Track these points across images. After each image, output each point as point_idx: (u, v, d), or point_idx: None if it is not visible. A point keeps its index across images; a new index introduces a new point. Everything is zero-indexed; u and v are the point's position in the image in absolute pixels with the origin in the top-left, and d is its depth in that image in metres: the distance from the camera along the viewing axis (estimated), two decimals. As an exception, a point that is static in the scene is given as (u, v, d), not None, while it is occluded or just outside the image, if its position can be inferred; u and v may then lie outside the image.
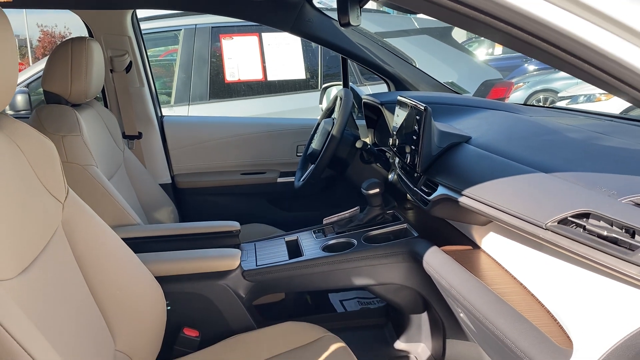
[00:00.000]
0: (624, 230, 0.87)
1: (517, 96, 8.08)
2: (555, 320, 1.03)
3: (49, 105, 1.76)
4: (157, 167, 2.45)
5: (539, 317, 1.05)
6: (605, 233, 0.89)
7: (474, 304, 1.17)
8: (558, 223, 0.96)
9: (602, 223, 0.91)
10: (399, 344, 1.76)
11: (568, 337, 0.97)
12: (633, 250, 0.83)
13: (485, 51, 10.12)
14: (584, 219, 0.93)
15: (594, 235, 0.90)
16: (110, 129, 2.05)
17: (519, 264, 1.23)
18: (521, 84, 8.73)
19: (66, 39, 1.92)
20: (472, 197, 1.22)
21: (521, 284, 1.20)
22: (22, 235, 1.03)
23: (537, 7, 0.75)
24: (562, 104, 6.97)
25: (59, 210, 1.20)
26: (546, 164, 1.14)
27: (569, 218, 0.95)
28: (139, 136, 2.35)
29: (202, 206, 2.48)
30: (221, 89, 3.82)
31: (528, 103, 7.19)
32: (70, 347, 1.04)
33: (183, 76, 3.75)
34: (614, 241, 0.88)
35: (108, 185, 1.74)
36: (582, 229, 0.93)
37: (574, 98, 7.11)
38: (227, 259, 1.50)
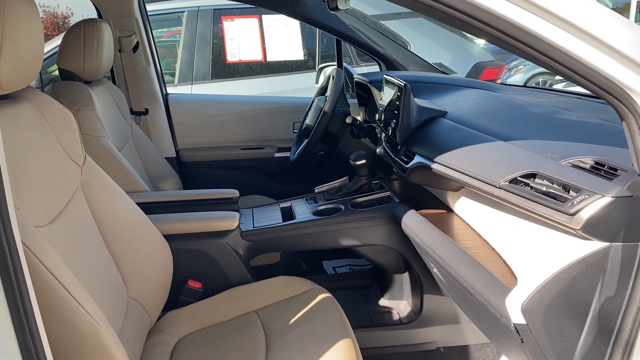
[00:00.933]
0: (561, 187, 1.04)
1: (516, 79, 8.17)
2: (507, 265, 1.20)
3: (64, 82, 1.92)
4: (163, 141, 2.61)
5: (494, 265, 1.22)
6: (545, 189, 1.05)
7: (442, 257, 1.34)
8: (509, 182, 1.12)
9: (545, 182, 1.07)
10: (383, 302, 1.93)
11: (515, 276, 1.14)
12: (563, 202, 0.99)
13: (486, 34, 10.15)
14: (531, 179, 1.09)
15: (538, 192, 1.06)
16: (119, 105, 2.21)
17: (482, 222, 1.39)
18: (521, 67, 8.81)
19: (69, 19, 2.07)
20: (443, 164, 1.38)
21: (484, 239, 1.37)
22: (49, 190, 1.20)
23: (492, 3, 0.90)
24: (559, 86, 7.07)
25: (78, 173, 1.37)
26: (506, 134, 1.30)
27: (518, 178, 1.11)
28: (146, 112, 2.51)
29: (204, 178, 2.65)
30: (223, 69, 3.97)
31: (527, 85, 7.31)
32: (92, 291, 1.21)
33: (186, 56, 3.89)
34: (554, 196, 1.04)
35: (118, 155, 1.90)
36: (529, 187, 1.09)
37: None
38: (227, 220, 1.67)
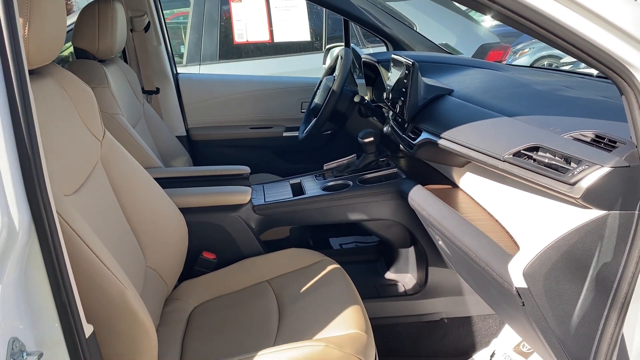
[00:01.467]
0: (563, 159, 1.09)
1: (522, 61, 8.16)
2: (510, 235, 1.26)
3: (80, 60, 1.97)
4: (174, 120, 2.67)
5: (497, 234, 1.28)
6: (547, 161, 1.10)
7: (447, 228, 1.40)
8: (513, 155, 1.17)
9: (547, 154, 1.12)
10: (389, 275, 2.00)
11: (517, 245, 1.20)
12: (564, 173, 1.04)
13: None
14: (534, 152, 1.14)
15: (541, 164, 1.12)
16: (131, 84, 2.26)
17: (486, 196, 1.45)
18: (527, 49, 8.79)
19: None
20: (449, 139, 1.43)
21: (488, 212, 1.42)
22: (72, 163, 1.26)
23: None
24: (564, 69, 7.07)
25: (98, 147, 1.43)
26: (511, 110, 1.35)
27: (522, 151, 1.16)
28: (157, 91, 2.56)
29: (213, 157, 2.71)
30: (230, 50, 4.00)
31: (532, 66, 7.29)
32: (115, 258, 1.27)
33: (194, 37, 3.93)
34: (555, 168, 1.09)
35: (133, 132, 1.96)
36: (532, 160, 1.14)
37: (576, 63, 7.21)
38: (239, 194, 1.73)
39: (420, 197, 1.61)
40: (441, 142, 1.46)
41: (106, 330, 1.06)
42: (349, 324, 1.29)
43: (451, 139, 1.42)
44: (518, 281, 1.07)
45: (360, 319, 1.32)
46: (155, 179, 1.85)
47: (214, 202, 1.72)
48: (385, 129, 2.19)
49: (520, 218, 1.24)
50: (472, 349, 1.82)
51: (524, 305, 1.09)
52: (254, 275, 1.62)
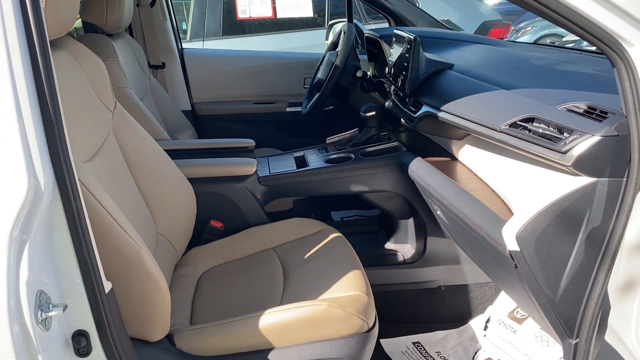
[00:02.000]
0: (557, 130, 1.14)
1: (524, 40, 8.14)
2: (505, 203, 1.32)
3: (88, 34, 2.00)
4: (179, 94, 2.71)
5: (493, 203, 1.34)
6: (541, 131, 1.15)
7: (445, 197, 1.46)
8: (509, 126, 1.22)
9: (542, 125, 1.17)
10: (389, 245, 2.07)
11: (511, 212, 1.26)
12: (557, 142, 1.09)
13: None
14: (529, 123, 1.19)
15: (535, 135, 1.17)
16: (138, 58, 2.30)
17: (484, 167, 1.50)
18: (529, 28, 8.75)
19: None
20: (449, 112, 1.48)
21: (484, 182, 1.48)
22: (86, 132, 1.32)
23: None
24: (565, 46, 7.05)
25: (109, 117, 1.48)
26: (509, 83, 1.40)
27: (518, 122, 1.21)
28: (163, 66, 2.60)
29: (218, 131, 2.76)
30: (233, 26, 4.02)
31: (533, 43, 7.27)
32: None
33: (198, 13, 3.94)
34: (549, 138, 1.14)
35: (141, 105, 2.01)
36: (527, 131, 1.19)
37: (577, 42, 7.20)
38: (245, 166, 1.79)
39: (420, 168, 1.66)
40: (441, 114, 1.52)
41: (124, 288, 1.13)
42: (350, 286, 1.36)
43: (450, 112, 1.47)
44: (511, 244, 1.13)
45: (361, 282, 1.39)
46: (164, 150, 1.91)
47: (221, 172, 1.78)
48: (386, 103, 2.24)
49: (514, 186, 1.30)
50: (468, 315, 1.90)
51: (516, 267, 1.16)
52: (260, 242, 1.69)
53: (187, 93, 2.75)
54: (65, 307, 0.90)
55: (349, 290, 1.35)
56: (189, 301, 1.47)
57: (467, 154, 1.63)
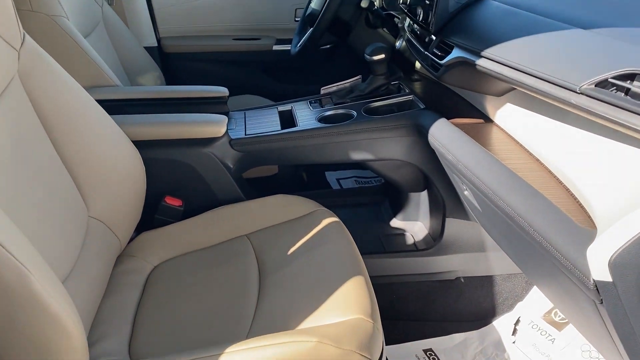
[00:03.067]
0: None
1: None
2: (575, 199, 0.92)
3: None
4: (141, 27, 2.23)
5: (555, 195, 0.94)
6: (651, 96, 0.73)
7: (482, 179, 1.05)
8: (595, 86, 0.80)
9: (650, 86, 0.75)
10: (395, 222, 1.68)
11: (589, 217, 0.86)
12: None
13: None
14: (628, 81, 0.77)
15: (638, 100, 0.75)
16: (83, -22, 1.81)
17: (536, 137, 1.09)
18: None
19: None
20: (493, 59, 1.05)
21: (537, 159, 1.07)
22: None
23: None
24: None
25: (13, 58, 1.04)
26: (584, 19, 0.96)
27: (610, 80, 0.79)
28: (119, -10, 2.11)
29: (190, 74, 2.29)
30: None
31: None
32: (31, 213, 0.93)
33: None
34: (663, 107, 0.73)
35: (82, 41, 1.55)
36: (623, 93, 0.78)
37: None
38: (212, 125, 1.36)
39: (444, 134, 1.25)
40: (481, 62, 1.08)
41: (6, 327, 0.74)
42: (350, 306, 0.98)
43: (497, 59, 1.04)
44: (600, 272, 0.74)
45: (364, 297, 1.01)
46: (109, 100, 1.48)
47: (179, 134, 1.35)
48: (397, 43, 1.78)
49: (592, 174, 0.89)
50: (491, 313, 1.54)
51: (602, 303, 0.77)
52: (231, 227, 1.29)
53: (152, 26, 2.26)
54: None
55: (348, 312, 0.97)
56: (131, 312, 1.09)
57: (509, 116, 1.21)
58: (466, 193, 1.26)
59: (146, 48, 2.13)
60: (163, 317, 1.07)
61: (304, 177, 2.16)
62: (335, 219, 1.28)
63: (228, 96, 1.55)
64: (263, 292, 1.09)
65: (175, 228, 1.30)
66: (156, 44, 2.27)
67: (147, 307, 1.11)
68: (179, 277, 1.18)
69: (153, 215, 1.33)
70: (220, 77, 2.20)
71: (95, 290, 1.07)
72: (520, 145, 1.15)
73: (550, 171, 1.02)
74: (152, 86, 1.93)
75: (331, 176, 2.23)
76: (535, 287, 1.53)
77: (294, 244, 1.21)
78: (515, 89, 1.14)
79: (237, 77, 2.27)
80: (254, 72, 2.33)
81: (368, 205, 1.81)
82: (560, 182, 0.97)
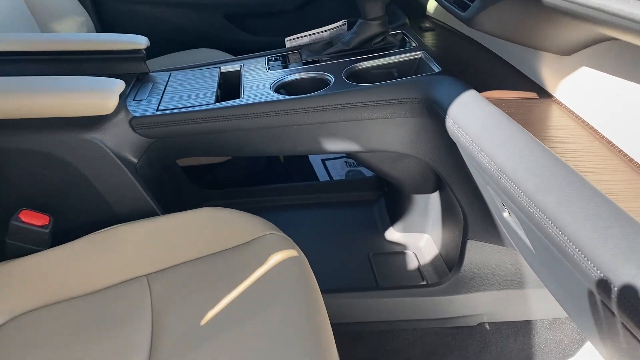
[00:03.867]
0: None
1: None
2: None
3: None
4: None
5: None
6: None
7: (535, 200, 0.56)
8: None
9: None
10: (393, 233, 1.20)
11: None
12: None
13: None
14: None
15: None
16: None
17: (629, 126, 0.59)
18: None
19: None
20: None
21: (625, 154, 0.58)
22: None
23: None
24: None
25: None
26: None
27: None
28: None
29: (130, 20, 1.75)
30: None
31: None
32: None
33: None
34: None
35: None
36: None
37: None
38: (97, 94, 0.84)
39: (473, 116, 0.74)
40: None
41: None
42: None
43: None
44: None
45: None
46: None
47: (44, 109, 0.84)
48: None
49: None
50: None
51: None
52: (124, 260, 0.81)
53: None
54: None
55: None
56: None
57: (581, 88, 0.70)
58: (507, 216, 0.77)
59: (69, -16, 1.59)
60: None
61: (281, 159, 1.68)
62: (293, 251, 0.79)
63: (144, 49, 1.03)
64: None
65: (36, 261, 0.81)
66: (85, -20, 1.73)
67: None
68: (37, 345, 0.71)
69: (3, 239, 0.84)
70: (170, 25, 1.68)
71: None
72: (599, 133, 0.65)
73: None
74: (35, 34, 1.38)
75: (315, 157, 1.74)
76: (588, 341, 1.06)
77: (217, 301, 0.73)
78: (602, 41, 0.63)
79: (193, 25, 1.74)
80: (215, 20, 1.78)
81: (356, 205, 1.32)
82: None
